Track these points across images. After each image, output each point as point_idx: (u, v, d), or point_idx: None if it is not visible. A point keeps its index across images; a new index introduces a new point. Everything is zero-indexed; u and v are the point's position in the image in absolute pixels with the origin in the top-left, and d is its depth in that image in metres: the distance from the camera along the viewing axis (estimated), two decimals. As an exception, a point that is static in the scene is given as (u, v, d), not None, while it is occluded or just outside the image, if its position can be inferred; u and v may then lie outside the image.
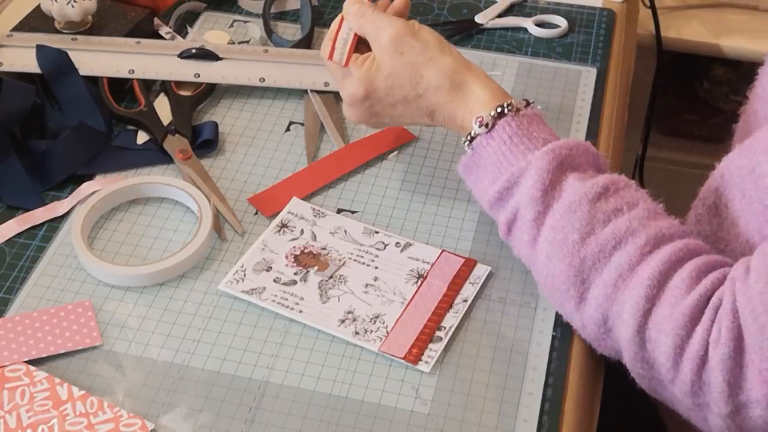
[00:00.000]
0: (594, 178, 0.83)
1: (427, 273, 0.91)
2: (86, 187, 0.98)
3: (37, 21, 1.14)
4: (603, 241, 0.79)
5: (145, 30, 1.16)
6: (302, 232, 0.95)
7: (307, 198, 0.99)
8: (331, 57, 0.93)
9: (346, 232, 0.95)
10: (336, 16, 1.21)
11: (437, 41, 0.91)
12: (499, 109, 0.87)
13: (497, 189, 0.85)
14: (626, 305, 0.77)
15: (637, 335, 0.77)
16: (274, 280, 0.90)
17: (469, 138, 0.88)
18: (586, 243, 0.79)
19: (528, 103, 0.88)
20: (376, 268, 0.91)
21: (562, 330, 0.88)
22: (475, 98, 0.89)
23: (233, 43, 1.16)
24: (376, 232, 0.95)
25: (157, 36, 1.16)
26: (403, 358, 0.84)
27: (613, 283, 0.78)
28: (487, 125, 0.86)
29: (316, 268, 0.91)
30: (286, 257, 0.92)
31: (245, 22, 1.20)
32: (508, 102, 0.87)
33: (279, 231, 0.95)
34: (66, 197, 0.98)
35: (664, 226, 0.80)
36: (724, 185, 0.86)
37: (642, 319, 0.76)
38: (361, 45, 0.94)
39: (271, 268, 0.91)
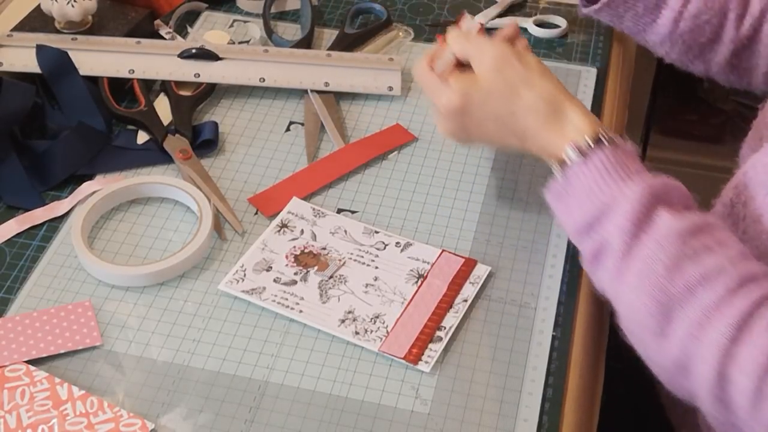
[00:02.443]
0: (686, 214, 0.80)
1: (427, 273, 0.91)
2: (86, 187, 0.98)
3: (37, 21, 1.14)
4: (690, 277, 0.76)
5: (145, 30, 1.16)
6: (302, 232, 0.95)
7: (307, 198, 0.99)
8: (431, 66, 0.92)
9: (346, 232, 0.95)
10: (336, 15, 1.21)
11: (540, 66, 0.90)
12: (596, 139, 0.84)
13: (586, 218, 0.82)
14: (709, 344, 0.74)
15: (718, 376, 0.74)
16: (274, 280, 0.90)
17: (561, 164, 0.85)
18: (673, 278, 0.77)
19: (623, 138, 0.86)
20: (376, 268, 0.91)
21: (562, 330, 0.88)
22: (573, 126, 0.86)
23: (233, 43, 1.16)
24: (376, 232, 0.95)
25: (157, 36, 1.16)
26: (403, 358, 0.84)
27: (697, 321, 0.75)
28: (583, 153, 0.84)
29: (316, 268, 0.91)
30: (286, 257, 0.92)
31: (245, 22, 1.20)
32: (606, 131, 0.85)
33: (279, 231, 0.95)
34: (66, 197, 0.98)
35: (753, 267, 0.77)
36: (746, 182, 0.85)
37: (724, 359, 0.74)
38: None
39: (271, 268, 0.91)
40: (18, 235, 0.95)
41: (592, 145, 0.84)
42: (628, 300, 0.79)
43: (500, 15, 1.22)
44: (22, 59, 1.08)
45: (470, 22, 0.97)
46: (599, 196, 0.82)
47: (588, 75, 1.14)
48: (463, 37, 0.93)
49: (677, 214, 0.80)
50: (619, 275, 0.80)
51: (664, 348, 0.77)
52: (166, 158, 1.02)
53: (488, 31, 1.19)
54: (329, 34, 1.18)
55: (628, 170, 0.82)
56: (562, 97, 0.88)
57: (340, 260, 0.92)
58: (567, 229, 0.86)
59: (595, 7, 1.08)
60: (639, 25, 1.07)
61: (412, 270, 0.91)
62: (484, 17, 1.20)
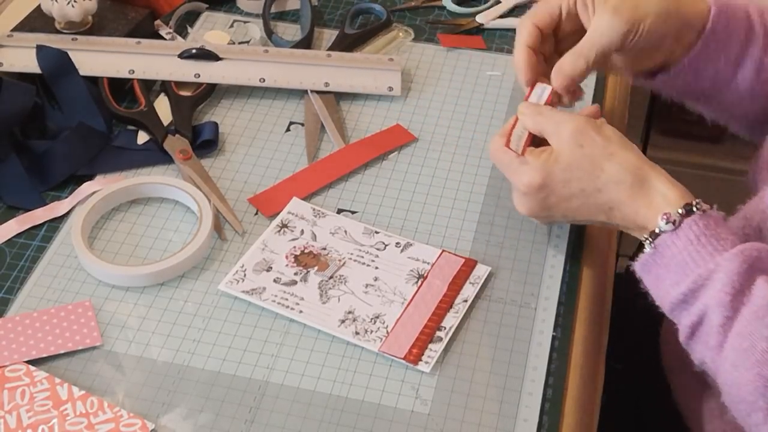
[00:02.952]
0: None
1: (428, 273, 0.91)
2: (86, 187, 0.98)
3: (37, 21, 1.14)
4: None
5: (145, 30, 1.16)
6: (302, 232, 0.95)
7: (307, 198, 0.99)
8: (507, 145, 0.89)
9: (346, 232, 0.95)
10: (336, 16, 1.21)
11: (619, 137, 0.87)
12: (687, 208, 0.81)
13: (682, 291, 0.79)
14: None
15: None
16: (275, 280, 0.90)
17: (652, 236, 0.82)
18: None
19: (712, 206, 0.83)
20: (377, 268, 0.91)
21: (562, 330, 0.88)
22: (661, 195, 0.83)
23: (233, 43, 1.16)
24: (376, 233, 0.95)
25: (158, 36, 1.16)
26: (403, 359, 0.84)
27: None
28: (674, 223, 0.81)
29: (316, 268, 0.91)
30: (287, 257, 0.92)
31: (245, 22, 1.20)
32: (696, 201, 0.82)
33: (279, 231, 0.95)
34: (66, 197, 0.98)
35: None
36: None
37: None
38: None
39: (271, 268, 0.91)
40: (18, 235, 0.95)
41: (683, 215, 0.81)
42: (730, 377, 0.77)
43: (503, 15, 1.22)
44: (23, 59, 1.08)
45: (541, 90, 0.93)
46: (694, 268, 0.79)
47: (589, 76, 1.14)
48: (535, 112, 0.89)
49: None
50: (720, 351, 0.77)
51: None
52: (166, 158, 1.02)
53: (490, 31, 1.20)
54: (329, 35, 1.18)
55: (721, 239, 0.80)
56: (646, 167, 0.85)
57: (340, 260, 0.92)
58: (660, 301, 0.83)
59: (676, 68, 0.96)
60: (717, 84, 0.97)
61: (412, 270, 0.91)
62: (485, 17, 1.20)
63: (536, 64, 0.94)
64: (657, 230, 0.82)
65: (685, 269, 0.80)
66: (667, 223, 0.81)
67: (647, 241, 0.82)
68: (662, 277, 0.81)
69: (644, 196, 0.84)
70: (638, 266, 0.84)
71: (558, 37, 0.97)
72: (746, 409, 0.77)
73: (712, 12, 0.93)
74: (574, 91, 0.95)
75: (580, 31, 0.94)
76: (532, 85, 0.94)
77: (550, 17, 0.95)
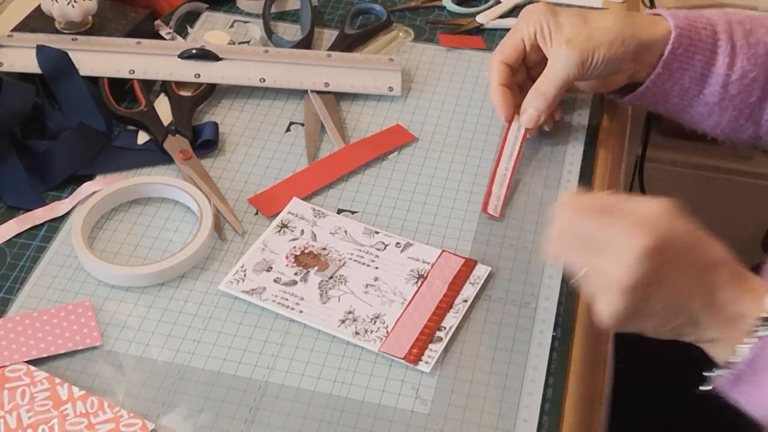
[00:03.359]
0: None
1: (428, 273, 0.91)
2: (86, 188, 0.98)
3: (37, 21, 1.14)
4: None
5: (145, 30, 1.16)
6: (302, 232, 0.95)
7: (307, 198, 0.99)
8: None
9: (346, 232, 0.95)
10: (336, 16, 1.21)
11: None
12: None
13: None
14: None
15: None
16: (275, 281, 0.90)
17: (759, 322, 0.73)
18: None
19: None
20: (377, 268, 0.91)
21: (563, 330, 0.88)
22: (756, 280, 0.76)
23: (233, 43, 1.16)
24: (377, 233, 0.95)
25: (158, 36, 1.16)
26: (403, 359, 0.84)
27: None
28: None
29: (316, 268, 0.91)
30: (287, 257, 0.92)
31: (245, 22, 1.20)
32: None
33: (279, 231, 0.95)
34: (66, 197, 0.98)
35: None
36: None
37: None
38: None
39: (271, 268, 0.91)
40: (18, 235, 0.95)
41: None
42: None
43: (503, 16, 1.22)
44: (23, 59, 1.08)
45: (518, 125, 0.98)
46: None
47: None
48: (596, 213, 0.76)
49: None
50: None
51: None
52: (166, 158, 1.02)
53: (490, 31, 1.20)
54: (329, 35, 1.18)
55: None
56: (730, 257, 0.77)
57: (340, 260, 0.92)
58: (762, 407, 0.74)
59: (641, 89, 1.00)
60: (685, 100, 1.00)
61: (412, 270, 0.91)
62: (485, 17, 1.21)
63: (511, 99, 1.01)
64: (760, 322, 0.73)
65: None
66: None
67: (754, 332, 0.73)
68: (762, 385, 0.73)
69: (744, 279, 0.75)
70: (732, 377, 0.75)
71: (528, 65, 1.04)
72: None
73: (672, 35, 0.97)
74: (546, 120, 1.02)
75: (545, 59, 1.01)
76: (511, 120, 1.02)
77: (515, 52, 1.02)
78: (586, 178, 1.02)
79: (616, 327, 0.76)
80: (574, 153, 1.04)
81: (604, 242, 0.73)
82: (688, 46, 0.98)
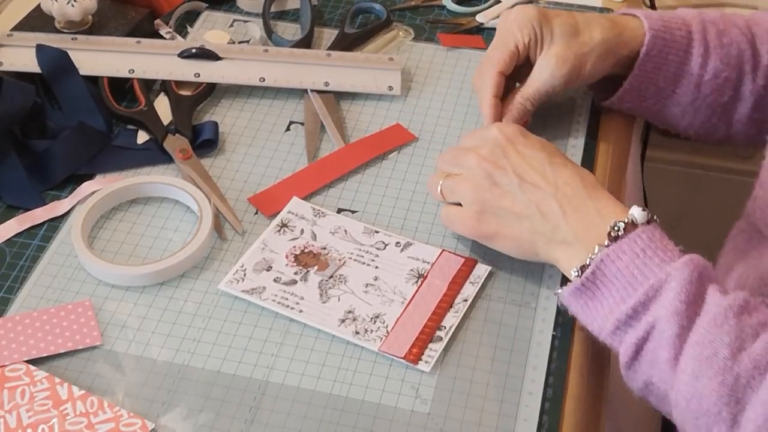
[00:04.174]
0: (732, 292, 0.76)
1: (428, 273, 0.91)
2: (86, 187, 0.98)
3: (37, 21, 1.14)
4: (756, 356, 0.72)
5: (145, 30, 1.16)
6: (302, 231, 0.95)
7: (307, 198, 0.99)
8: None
9: (346, 231, 0.95)
10: (336, 15, 1.21)
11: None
12: (630, 219, 0.80)
13: (630, 305, 0.76)
14: None
15: None
16: (275, 280, 0.90)
17: (594, 250, 0.80)
18: (739, 359, 0.72)
19: (653, 216, 0.82)
20: (377, 267, 0.91)
21: (563, 330, 0.88)
22: (609, 205, 0.83)
23: (233, 42, 1.16)
24: (377, 232, 0.95)
25: (158, 36, 1.16)
26: (404, 358, 0.84)
27: None
28: (616, 237, 0.79)
29: (316, 267, 0.91)
30: (287, 257, 0.92)
31: (245, 21, 1.20)
32: (638, 212, 0.80)
33: (279, 231, 0.95)
34: (66, 197, 0.98)
35: None
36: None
37: None
38: None
39: (271, 267, 0.91)
40: (18, 234, 0.95)
41: (628, 225, 0.79)
42: (689, 388, 0.73)
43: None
44: (22, 59, 1.08)
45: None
46: (642, 280, 0.77)
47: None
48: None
49: (723, 291, 0.76)
50: (676, 363, 0.74)
51: None
52: (166, 158, 1.02)
53: (490, 30, 1.20)
54: (329, 34, 1.18)
55: (668, 249, 0.78)
56: (591, 178, 0.86)
57: (340, 260, 0.92)
58: (599, 325, 0.80)
59: (618, 94, 1.03)
60: (660, 100, 1.02)
61: (412, 270, 0.91)
62: (485, 17, 1.20)
63: (500, 110, 1.01)
64: (610, 237, 0.79)
65: (633, 283, 0.77)
66: (613, 237, 0.79)
67: (589, 259, 0.80)
68: (604, 297, 0.79)
69: (596, 200, 0.83)
70: (571, 291, 0.81)
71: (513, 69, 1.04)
72: (708, 423, 0.73)
73: (647, 38, 0.99)
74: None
75: (529, 64, 1.02)
76: None
77: (510, 60, 1.01)
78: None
79: (470, 233, 0.90)
80: (574, 154, 1.04)
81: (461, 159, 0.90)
82: (662, 47, 1.00)
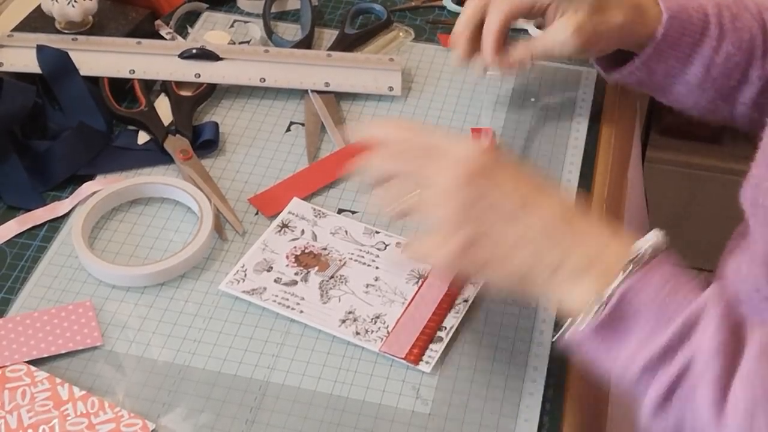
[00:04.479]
0: (755, 324, 0.69)
1: (428, 273, 0.91)
2: (87, 188, 0.98)
3: (37, 21, 1.14)
4: None
5: (145, 30, 1.16)
6: (303, 232, 0.95)
7: (307, 198, 0.99)
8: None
9: (346, 232, 0.95)
10: (336, 15, 1.21)
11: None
12: (653, 244, 0.70)
13: (665, 339, 0.67)
14: None
15: None
16: (275, 281, 0.90)
17: (612, 282, 0.69)
18: None
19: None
20: (377, 268, 0.91)
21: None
22: (617, 230, 0.73)
23: (234, 43, 1.16)
24: (377, 233, 0.95)
25: (158, 36, 1.16)
26: (404, 359, 0.84)
27: None
28: (639, 264, 0.69)
29: (316, 268, 0.91)
30: (287, 257, 0.92)
31: (246, 22, 1.20)
32: (660, 235, 0.71)
33: (280, 231, 0.95)
34: (67, 197, 0.98)
35: None
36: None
37: None
38: None
39: (271, 268, 0.91)
40: (19, 235, 0.95)
41: (653, 248, 0.70)
42: (743, 428, 0.65)
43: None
44: (23, 59, 1.08)
45: None
46: (677, 309, 0.68)
47: (588, 75, 1.14)
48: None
49: (755, 322, 0.69)
50: (722, 405, 0.66)
51: None
52: (166, 158, 1.02)
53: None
54: (329, 35, 1.18)
55: (689, 279, 0.70)
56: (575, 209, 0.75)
57: (340, 260, 0.92)
58: (623, 364, 0.69)
59: (628, 68, 1.00)
60: (668, 79, 1.01)
61: (412, 270, 0.91)
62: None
63: (502, 49, 1.00)
64: (632, 261, 0.69)
65: (665, 312, 0.68)
66: (639, 258, 0.69)
67: (612, 288, 0.69)
68: (631, 333, 0.69)
69: (601, 225, 0.73)
70: (592, 328, 0.70)
71: None
72: None
73: (664, 19, 0.98)
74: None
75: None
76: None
77: (528, 8, 1.00)
78: (587, 181, 1.02)
79: (455, 263, 0.75)
80: (574, 154, 1.04)
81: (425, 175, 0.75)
82: (678, 29, 0.99)
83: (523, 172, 0.75)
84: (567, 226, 0.72)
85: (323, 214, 0.96)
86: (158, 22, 1.18)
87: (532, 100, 1.10)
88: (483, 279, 0.79)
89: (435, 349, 0.85)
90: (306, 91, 1.10)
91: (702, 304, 0.68)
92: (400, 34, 1.19)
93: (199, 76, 1.09)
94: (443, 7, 1.23)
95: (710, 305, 0.68)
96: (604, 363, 0.71)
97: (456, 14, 1.22)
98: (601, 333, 0.70)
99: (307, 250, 0.93)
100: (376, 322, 0.87)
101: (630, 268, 0.69)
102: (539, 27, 1.20)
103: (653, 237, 0.70)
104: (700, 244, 0.86)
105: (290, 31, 1.20)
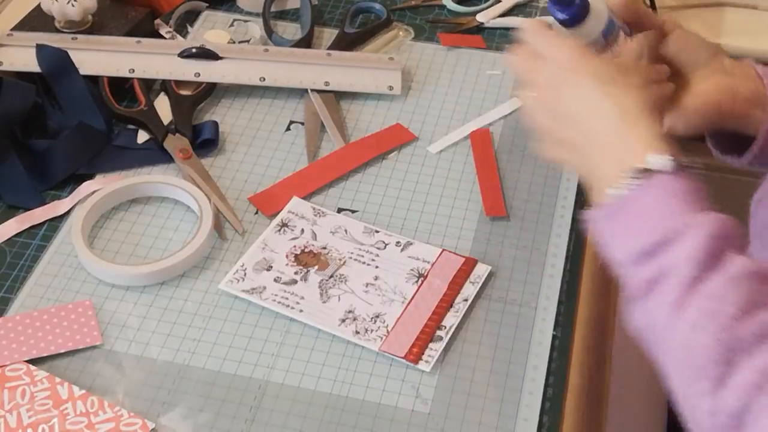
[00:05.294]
0: (755, 259, 0.73)
1: (428, 272, 0.91)
2: (86, 187, 0.98)
3: (37, 20, 1.14)
4: (763, 324, 0.69)
5: (145, 29, 1.16)
6: (302, 231, 0.95)
7: (307, 197, 0.99)
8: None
9: (346, 231, 0.95)
10: (336, 15, 1.21)
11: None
12: (674, 159, 0.76)
13: (650, 241, 0.73)
14: None
15: None
16: (275, 280, 0.90)
17: (630, 174, 0.76)
18: (743, 321, 0.69)
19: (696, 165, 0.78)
20: (377, 267, 0.91)
21: (563, 330, 0.88)
22: (652, 134, 0.78)
23: (233, 42, 1.16)
24: (377, 232, 0.95)
25: (158, 35, 1.16)
26: (404, 358, 0.84)
27: (766, 372, 0.67)
28: (655, 170, 0.75)
29: (316, 267, 0.91)
30: (287, 256, 0.92)
31: (245, 21, 1.20)
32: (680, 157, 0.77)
33: (279, 230, 0.95)
34: (66, 197, 0.98)
35: None
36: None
37: None
38: None
39: (271, 267, 0.91)
40: (18, 234, 0.95)
41: (667, 164, 0.75)
42: (685, 338, 0.71)
43: (503, 14, 1.22)
44: (22, 59, 1.07)
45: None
46: (668, 220, 0.74)
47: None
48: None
49: (748, 257, 0.73)
50: (679, 310, 0.71)
51: (720, 397, 0.69)
52: (166, 158, 1.02)
53: (490, 30, 1.20)
54: (329, 34, 1.18)
55: (701, 198, 0.75)
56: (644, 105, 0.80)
57: (340, 260, 0.92)
58: (619, 252, 0.76)
59: (758, 143, 0.94)
60: None
61: (412, 269, 0.91)
62: (485, 16, 1.20)
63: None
64: (649, 165, 0.76)
65: (658, 220, 0.74)
66: (654, 163, 0.76)
67: (623, 181, 0.76)
68: (628, 226, 0.76)
69: (636, 126, 0.79)
70: (602, 213, 0.77)
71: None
72: (691, 377, 0.71)
73: None
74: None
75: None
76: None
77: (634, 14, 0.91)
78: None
79: (529, 113, 0.83)
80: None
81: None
82: None
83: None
84: (618, 109, 0.80)
85: (323, 213, 0.96)
86: (158, 21, 1.18)
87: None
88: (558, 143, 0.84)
89: (435, 349, 0.85)
90: (306, 91, 1.10)
91: (696, 221, 0.73)
92: (400, 33, 1.19)
93: (199, 75, 1.09)
94: (443, 6, 1.23)
95: (703, 223, 0.73)
96: (611, 246, 0.77)
97: (456, 14, 1.23)
98: (610, 221, 0.76)
99: (306, 250, 0.93)
100: (375, 322, 0.87)
101: (655, 164, 0.76)
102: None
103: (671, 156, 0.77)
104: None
105: (290, 30, 1.20)
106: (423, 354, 0.85)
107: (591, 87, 0.82)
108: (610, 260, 0.78)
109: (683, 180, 0.76)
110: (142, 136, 1.04)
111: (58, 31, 1.12)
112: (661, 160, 0.76)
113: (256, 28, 1.18)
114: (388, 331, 0.86)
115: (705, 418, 0.70)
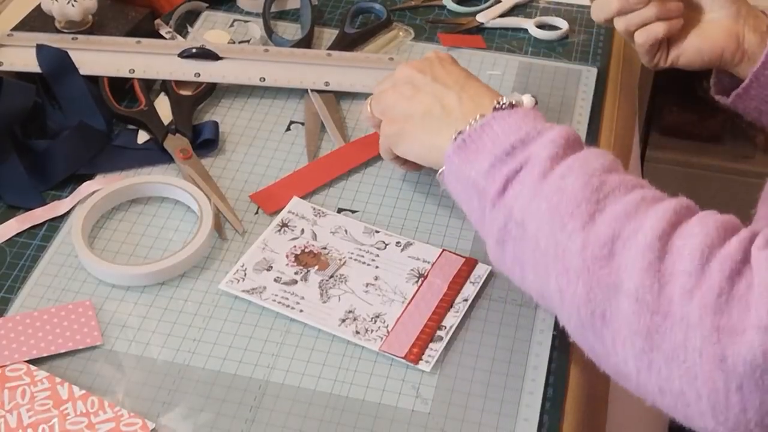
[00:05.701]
0: None
1: (428, 272, 0.91)
2: (86, 187, 0.98)
3: (37, 20, 1.14)
4: (627, 179, 0.74)
5: (145, 29, 1.16)
6: (303, 231, 0.95)
7: (307, 197, 0.99)
8: None
9: (346, 231, 0.95)
10: (336, 15, 1.21)
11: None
12: (517, 101, 0.84)
13: (511, 142, 0.78)
14: (649, 220, 0.69)
15: (658, 242, 0.68)
16: (275, 280, 0.90)
17: (490, 109, 0.83)
18: (609, 174, 0.74)
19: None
20: (377, 267, 0.91)
21: (563, 329, 0.87)
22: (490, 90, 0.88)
23: (234, 42, 1.16)
24: (377, 232, 0.95)
25: (158, 35, 1.16)
26: (404, 358, 0.84)
27: (635, 204, 0.71)
28: (508, 106, 0.83)
29: (316, 267, 0.91)
30: (287, 257, 0.92)
31: (245, 21, 1.20)
32: (528, 98, 0.85)
33: (279, 230, 0.95)
34: (66, 197, 0.98)
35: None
36: None
37: (668, 227, 0.69)
38: None
39: (271, 267, 0.91)
40: (18, 234, 0.95)
41: (512, 105, 0.83)
42: (554, 186, 0.74)
43: (503, 15, 1.22)
44: (23, 59, 1.08)
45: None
46: (524, 128, 0.79)
47: (588, 74, 1.14)
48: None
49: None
50: (545, 176, 0.75)
51: (590, 230, 0.71)
52: (166, 158, 1.02)
53: (490, 30, 1.20)
54: (329, 34, 1.18)
55: (546, 120, 0.81)
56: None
57: (340, 260, 0.92)
58: (477, 170, 0.79)
59: (744, 85, 0.99)
60: None
61: (412, 269, 0.91)
62: (486, 16, 1.21)
63: None
64: (497, 104, 0.83)
65: (516, 131, 0.79)
66: (503, 104, 0.83)
67: (475, 119, 0.81)
68: (484, 146, 0.80)
69: (495, 99, 0.85)
70: (454, 148, 0.81)
71: None
72: (563, 216, 0.73)
73: None
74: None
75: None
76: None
77: None
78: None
79: (383, 130, 0.93)
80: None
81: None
82: None
83: (458, 68, 0.92)
84: (461, 96, 0.87)
85: (323, 213, 0.96)
86: (158, 21, 1.18)
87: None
88: (403, 153, 0.92)
89: (435, 349, 0.85)
90: (306, 91, 1.10)
91: (552, 126, 0.78)
92: (400, 33, 1.19)
93: (199, 75, 1.09)
94: (443, 7, 1.24)
95: (558, 128, 0.78)
96: (464, 174, 0.80)
97: (456, 14, 1.23)
98: (463, 151, 0.80)
99: (306, 250, 0.93)
100: (375, 322, 0.87)
101: (500, 106, 0.83)
102: (539, 26, 1.20)
103: (523, 97, 0.84)
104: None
105: (290, 30, 1.20)
106: (423, 354, 0.85)
107: (463, 73, 0.90)
108: (468, 180, 0.80)
109: (527, 110, 0.81)
110: (142, 136, 1.04)
111: (58, 31, 1.13)
112: (531, 99, 0.83)
113: (256, 28, 1.18)
114: (388, 331, 0.86)
115: (576, 257, 0.71)
